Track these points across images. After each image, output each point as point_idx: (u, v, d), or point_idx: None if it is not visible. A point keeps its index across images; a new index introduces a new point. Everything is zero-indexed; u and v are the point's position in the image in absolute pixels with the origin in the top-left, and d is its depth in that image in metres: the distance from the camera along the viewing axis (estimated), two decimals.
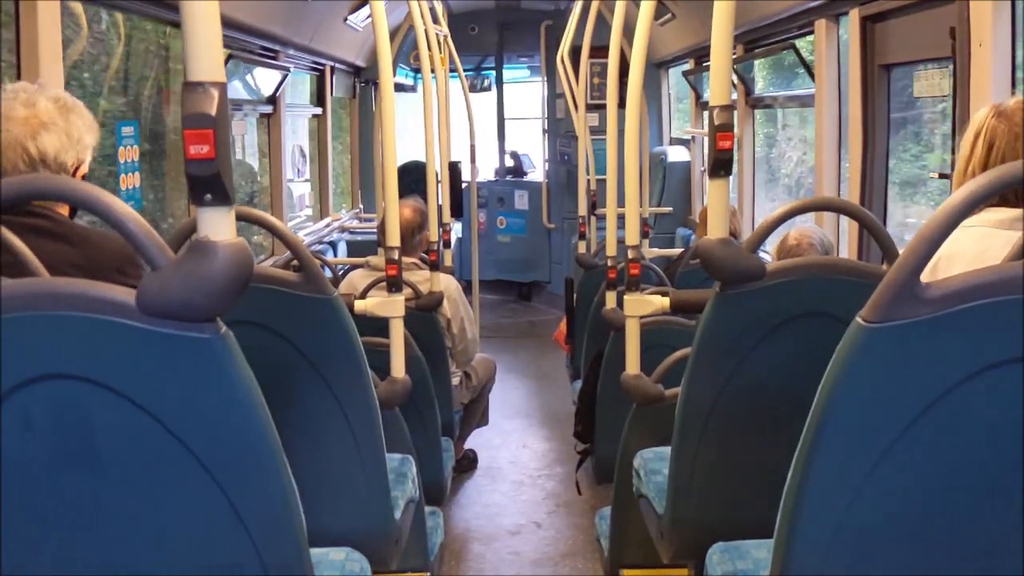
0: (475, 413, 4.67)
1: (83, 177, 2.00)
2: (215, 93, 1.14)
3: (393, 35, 6.35)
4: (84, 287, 1.16)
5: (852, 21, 3.59)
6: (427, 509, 3.10)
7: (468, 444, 4.95)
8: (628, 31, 3.21)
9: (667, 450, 2.30)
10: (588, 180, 5.54)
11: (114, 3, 3.37)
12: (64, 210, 1.95)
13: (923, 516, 1.18)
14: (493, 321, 8.29)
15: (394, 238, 2.88)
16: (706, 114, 2.08)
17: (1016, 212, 1.91)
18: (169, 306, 1.13)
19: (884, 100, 3.59)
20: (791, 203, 2.20)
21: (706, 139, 2.04)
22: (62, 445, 1.19)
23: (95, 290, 1.15)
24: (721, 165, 2.06)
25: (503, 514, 4.37)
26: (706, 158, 2.12)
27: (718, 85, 2.06)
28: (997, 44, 2.59)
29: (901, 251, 1.15)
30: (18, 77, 2.48)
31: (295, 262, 2.22)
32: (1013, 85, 2.60)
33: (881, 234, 2.14)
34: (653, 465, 2.56)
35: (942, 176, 3.29)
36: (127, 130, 3.34)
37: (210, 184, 1.15)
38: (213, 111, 1.13)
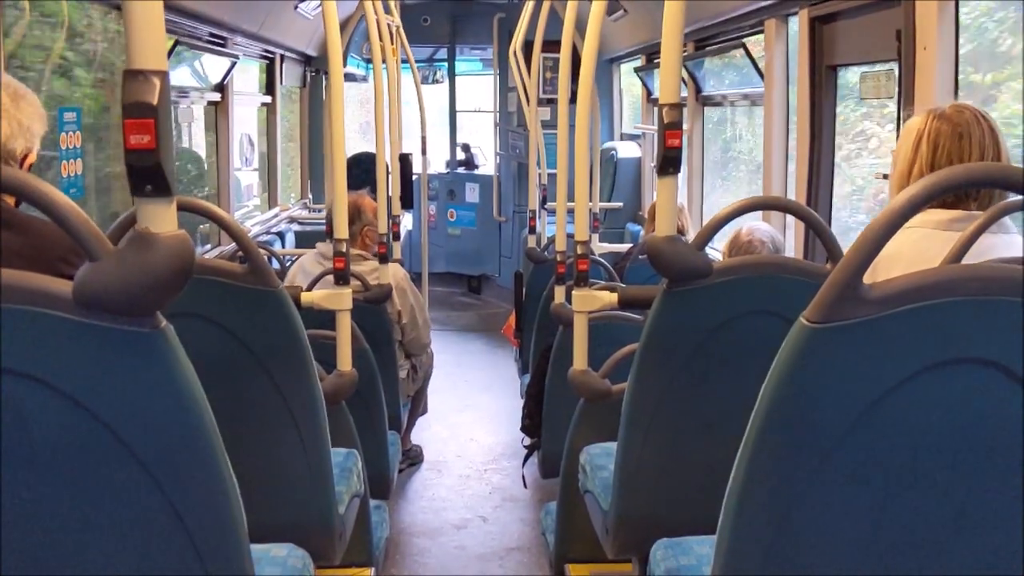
0: (419, 404, 4.67)
1: (30, 166, 1.96)
2: (156, 82, 1.11)
3: (344, 24, 6.29)
4: (18, 278, 1.12)
5: (801, 21, 3.63)
6: (372, 503, 3.08)
7: (414, 438, 4.93)
8: (581, 26, 3.21)
9: (613, 446, 2.30)
10: (539, 174, 5.55)
11: None
12: (11, 200, 1.90)
13: (864, 515, 1.19)
14: (442, 314, 8.26)
15: (342, 230, 2.85)
16: (656, 111, 2.09)
17: (955, 213, 1.94)
18: (107, 299, 1.10)
19: (832, 100, 3.63)
20: (738, 202, 2.21)
21: (656, 136, 2.04)
22: None
23: (29, 282, 1.12)
24: (670, 162, 2.07)
25: (449, 508, 4.35)
26: (656, 155, 2.13)
27: (668, 83, 2.06)
28: (942, 47, 2.64)
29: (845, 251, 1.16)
30: None
31: (241, 253, 2.19)
32: (956, 88, 2.65)
33: (826, 234, 2.16)
34: (599, 461, 2.56)
35: (885, 177, 3.33)
36: (69, 116, 3.26)
37: (151, 175, 1.13)
38: (154, 100, 1.11)
